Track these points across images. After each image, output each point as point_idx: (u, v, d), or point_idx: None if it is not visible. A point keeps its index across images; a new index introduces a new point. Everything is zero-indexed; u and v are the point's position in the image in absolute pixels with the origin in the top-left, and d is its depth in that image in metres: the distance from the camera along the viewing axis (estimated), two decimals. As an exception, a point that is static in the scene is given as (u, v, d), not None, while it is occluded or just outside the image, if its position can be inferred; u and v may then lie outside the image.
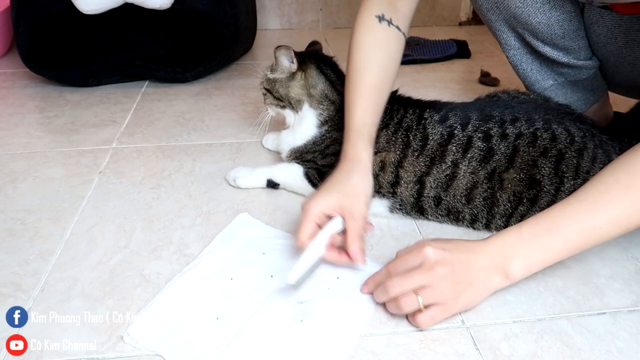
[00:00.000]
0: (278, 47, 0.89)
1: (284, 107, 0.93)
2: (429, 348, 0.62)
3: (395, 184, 0.83)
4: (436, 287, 0.62)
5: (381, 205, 0.86)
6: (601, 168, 0.76)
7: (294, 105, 0.92)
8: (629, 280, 0.73)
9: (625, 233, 0.63)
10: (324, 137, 0.90)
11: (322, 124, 0.91)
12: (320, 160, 0.90)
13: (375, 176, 0.84)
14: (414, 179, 0.82)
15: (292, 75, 0.91)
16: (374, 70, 0.83)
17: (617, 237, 0.63)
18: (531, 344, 0.63)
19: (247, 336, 0.62)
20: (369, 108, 0.81)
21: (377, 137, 0.84)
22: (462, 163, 0.80)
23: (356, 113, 0.80)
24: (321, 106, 0.91)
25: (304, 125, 0.92)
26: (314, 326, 0.64)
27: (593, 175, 0.75)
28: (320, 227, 0.71)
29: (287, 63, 0.91)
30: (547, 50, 0.94)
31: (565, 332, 0.65)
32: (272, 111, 0.97)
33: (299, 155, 0.93)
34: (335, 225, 0.71)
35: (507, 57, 1.02)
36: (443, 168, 0.81)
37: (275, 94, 0.93)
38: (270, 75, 0.94)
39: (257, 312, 0.66)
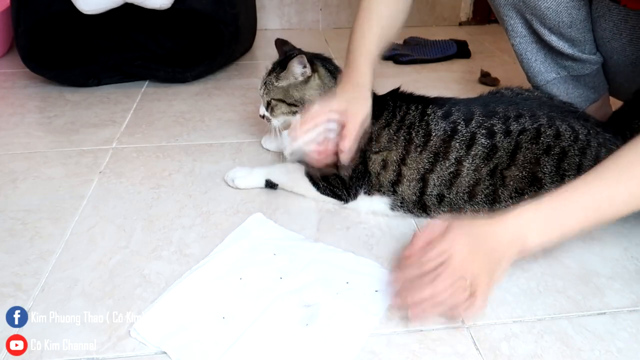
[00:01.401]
0: (292, 58, 0.88)
1: (295, 112, 0.91)
2: (429, 348, 0.62)
3: (396, 182, 0.83)
4: (473, 275, 0.64)
5: (382, 203, 0.86)
6: None
7: (308, 107, 0.91)
8: (629, 280, 0.73)
9: (634, 212, 0.65)
10: None
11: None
12: None
13: (377, 175, 0.84)
14: (417, 177, 0.82)
15: (307, 79, 0.90)
16: (385, 12, 0.90)
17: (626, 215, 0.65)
18: (531, 344, 0.63)
19: (252, 337, 0.62)
20: (377, 42, 0.88)
21: (379, 135, 0.84)
22: (465, 160, 0.80)
23: (365, 43, 0.87)
24: None
25: None
26: (318, 331, 0.64)
27: None
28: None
29: (301, 69, 0.89)
30: (553, 40, 0.95)
31: (565, 332, 0.65)
32: (278, 122, 0.94)
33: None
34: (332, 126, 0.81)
35: (513, 45, 1.02)
36: (447, 165, 0.81)
37: (289, 100, 0.91)
38: (282, 84, 0.91)
39: (263, 313, 0.66)
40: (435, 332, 0.64)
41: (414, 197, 0.83)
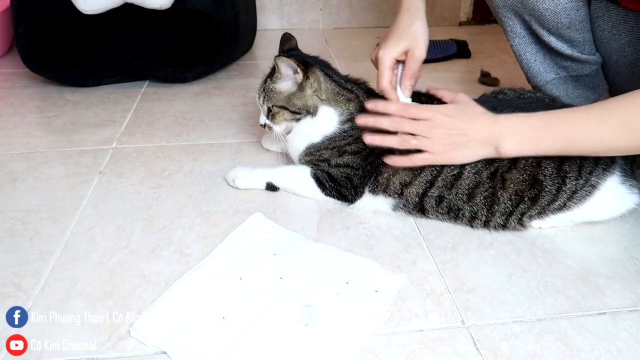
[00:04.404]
0: (278, 56, 0.86)
1: (299, 119, 0.90)
2: (429, 348, 0.62)
3: (407, 184, 0.83)
4: (432, 140, 0.78)
5: (385, 204, 0.86)
6: (604, 169, 0.78)
7: (312, 111, 0.89)
8: (629, 280, 0.73)
9: (601, 154, 0.75)
10: (346, 133, 0.88)
11: (345, 121, 0.89)
12: (335, 159, 0.88)
13: (389, 175, 0.84)
14: (427, 179, 0.82)
15: (301, 84, 0.88)
16: None
17: (594, 155, 0.76)
18: (531, 344, 0.63)
19: (251, 337, 0.62)
20: None
21: None
22: (468, 164, 0.80)
23: None
24: (337, 104, 0.89)
25: (323, 123, 0.89)
26: (318, 331, 0.64)
27: (596, 176, 0.77)
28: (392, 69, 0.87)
29: (291, 73, 0.87)
30: (552, 40, 0.94)
31: (565, 332, 0.65)
32: (280, 128, 0.92)
33: (315, 152, 0.90)
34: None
35: (512, 46, 1.02)
36: (451, 167, 0.81)
37: (292, 108, 0.89)
38: (280, 86, 0.89)
39: (263, 313, 0.66)
40: (435, 332, 0.64)
41: (417, 199, 0.84)
